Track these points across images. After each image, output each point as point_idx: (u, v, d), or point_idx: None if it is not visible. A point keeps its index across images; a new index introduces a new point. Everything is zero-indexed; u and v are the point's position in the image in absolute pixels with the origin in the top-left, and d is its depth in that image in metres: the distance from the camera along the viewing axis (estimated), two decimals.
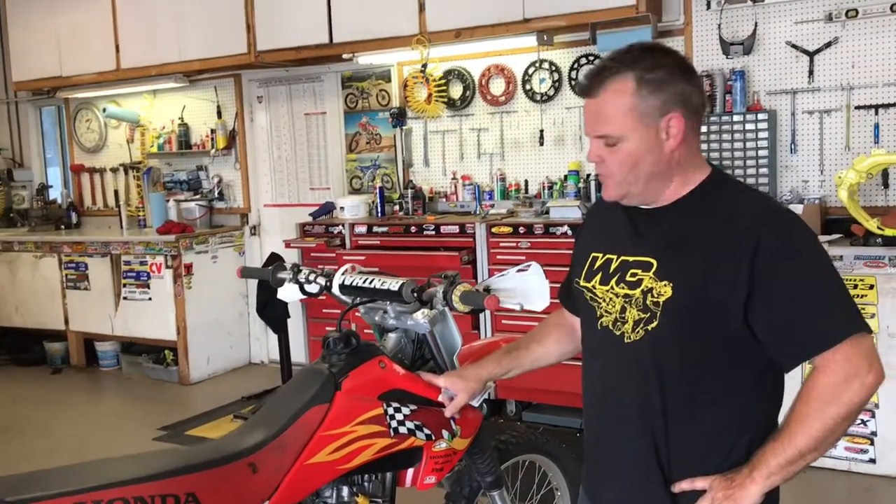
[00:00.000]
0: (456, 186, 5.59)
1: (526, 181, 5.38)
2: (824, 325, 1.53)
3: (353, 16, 5.28)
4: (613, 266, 1.70)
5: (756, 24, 4.50)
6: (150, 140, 6.95)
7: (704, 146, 4.61)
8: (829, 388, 1.51)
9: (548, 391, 4.68)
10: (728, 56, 4.58)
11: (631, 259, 1.67)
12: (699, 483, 1.60)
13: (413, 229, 5.15)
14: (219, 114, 6.59)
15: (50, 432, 5.30)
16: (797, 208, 4.31)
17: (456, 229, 4.98)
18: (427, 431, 2.04)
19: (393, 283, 2.02)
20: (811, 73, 4.43)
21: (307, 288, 2.27)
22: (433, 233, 5.07)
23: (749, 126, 4.50)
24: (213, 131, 6.60)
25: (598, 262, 1.74)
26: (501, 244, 4.81)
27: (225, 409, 5.57)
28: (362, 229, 5.34)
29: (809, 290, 1.54)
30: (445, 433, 2.08)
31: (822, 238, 4.11)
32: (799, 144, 4.50)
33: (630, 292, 1.65)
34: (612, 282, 1.69)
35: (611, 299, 1.69)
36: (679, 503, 1.63)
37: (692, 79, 1.63)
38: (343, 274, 2.18)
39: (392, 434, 1.98)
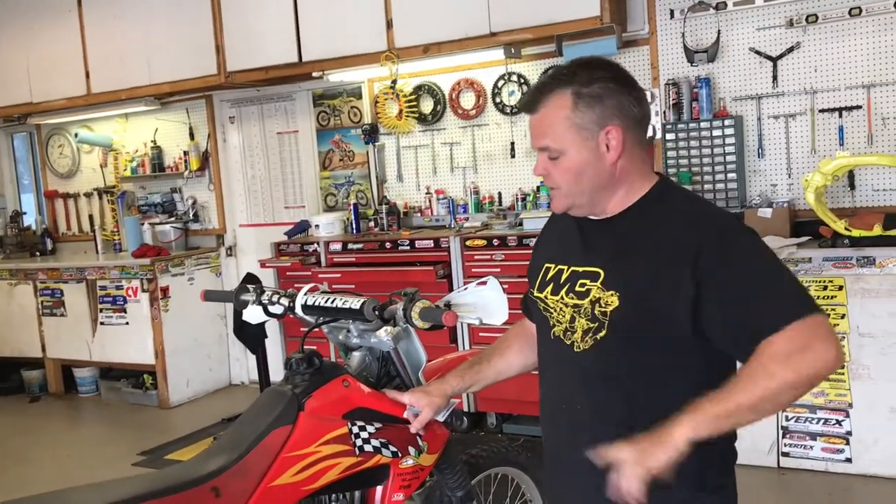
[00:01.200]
0: (430, 201, 5.60)
1: (499, 193, 5.41)
2: (774, 310, 1.50)
3: (322, 34, 5.29)
4: (564, 276, 1.72)
5: (719, 32, 4.55)
6: (124, 164, 6.93)
7: (673, 153, 4.66)
8: (782, 353, 1.46)
9: (527, 402, 4.68)
10: (693, 64, 4.63)
11: (580, 269, 1.70)
12: (622, 450, 1.52)
13: (388, 245, 5.16)
14: (191, 135, 6.58)
15: (28, 461, 5.24)
16: (766, 212, 4.36)
17: (430, 244, 4.99)
18: (393, 448, 2.04)
19: (354, 302, 2.03)
20: (775, 78, 4.48)
21: (271, 309, 2.27)
22: (408, 248, 5.07)
23: (716, 132, 4.55)
24: (185, 153, 6.59)
25: (551, 273, 1.77)
26: (476, 257, 4.82)
27: (206, 431, 5.54)
28: (337, 247, 5.34)
29: (754, 282, 1.53)
30: (412, 450, 2.08)
31: (791, 241, 4.15)
32: (766, 149, 4.55)
33: (579, 302, 1.67)
34: (563, 292, 1.71)
35: (561, 309, 1.71)
36: None
37: (631, 91, 1.66)
38: (305, 294, 2.18)
39: (357, 452, 1.98)
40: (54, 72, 6.49)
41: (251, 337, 5.22)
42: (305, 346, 2.04)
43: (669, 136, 4.68)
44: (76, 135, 6.92)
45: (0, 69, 6.80)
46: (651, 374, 1.62)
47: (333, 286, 5.15)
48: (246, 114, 6.46)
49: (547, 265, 1.80)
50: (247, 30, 5.59)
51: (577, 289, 1.68)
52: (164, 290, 6.15)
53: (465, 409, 4.96)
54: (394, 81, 5.20)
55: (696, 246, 1.55)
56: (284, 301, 2.23)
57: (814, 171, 4.08)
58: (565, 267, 1.74)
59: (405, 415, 2.04)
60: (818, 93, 4.39)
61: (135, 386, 6.43)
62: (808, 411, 4.02)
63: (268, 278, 5.35)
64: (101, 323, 6.38)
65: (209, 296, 2.52)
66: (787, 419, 4.06)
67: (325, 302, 2.10)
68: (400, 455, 2.06)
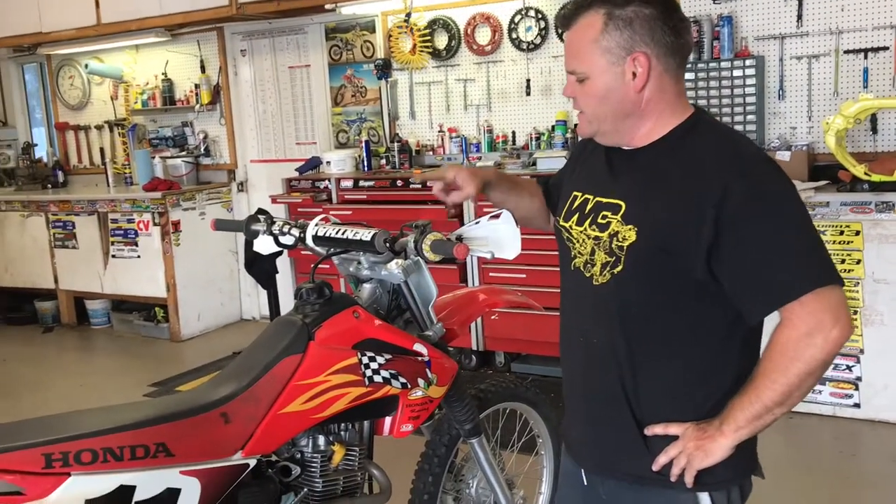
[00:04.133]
0: (443, 139, 5.53)
1: (513, 132, 5.33)
2: (789, 277, 1.48)
3: None
4: (589, 206, 1.68)
5: None
6: (135, 96, 6.86)
7: (692, 93, 4.56)
8: (791, 342, 1.48)
9: (536, 342, 4.69)
10: (715, 1, 4.50)
11: (604, 200, 1.65)
12: (673, 429, 1.60)
13: (399, 183, 5.12)
14: (202, 68, 6.50)
15: (42, 390, 5.32)
16: (785, 155, 4.28)
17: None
18: (402, 380, 2.04)
19: (365, 234, 2.00)
20: (800, 17, 4.36)
21: (282, 240, 2.25)
22: (419, 186, 5.03)
23: (737, 72, 4.44)
24: (196, 86, 6.52)
25: (577, 202, 1.72)
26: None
27: (216, 364, 5.59)
28: (348, 184, 5.30)
29: (776, 239, 1.48)
30: (421, 382, 2.08)
31: (809, 185, 4.09)
32: (787, 90, 4.45)
33: (599, 234, 1.63)
34: (586, 223, 1.67)
35: (583, 241, 1.67)
36: (649, 444, 1.63)
37: (669, 18, 1.57)
38: (316, 225, 2.16)
39: (367, 383, 1.98)
40: (64, 1, 6.39)
41: (262, 272, 5.19)
42: (316, 277, 2.02)
43: (689, 76, 4.57)
44: (86, 66, 6.85)
45: None
46: (665, 314, 1.59)
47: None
48: (257, 47, 6.36)
49: (575, 193, 1.75)
50: None
51: (599, 220, 1.64)
52: (176, 225, 6.14)
53: (473, 347, 4.98)
54: (408, 15, 5.10)
55: (723, 188, 1.49)
56: (295, 232, 2.20)
57: (835, 113, 3.99)
58: (591, 196, 1.69)
59: (434, 192, 1.95)
60: (844, 33, 4.27)
61: (146, 319, 6.48)
62: None
63: (279, 214, 5.32)
64: (113, 256, 6.40)
65: (220, 225, 2.50)
66: None
67: (336, 233, 2.07)
68: (409, 387, 2.05)
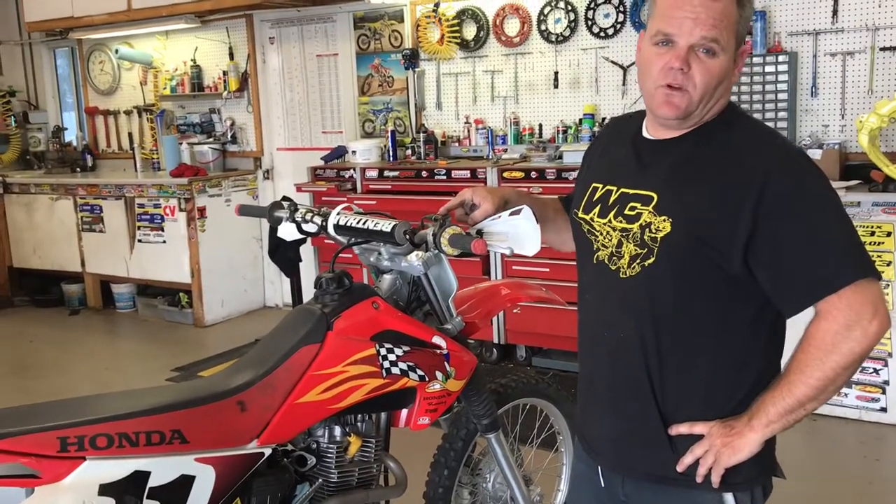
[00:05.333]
0: (469, 130, 5.51)
1: (540, 125, 5.29)
2: (828, 270, 1.45)
3: None
4: (613, 198, 1.64)
5: None
6: (164, 82, 6.90)
7: None
8: (829, 335, 1.45)
9: (557, 336, 4.66)
10: None
11: (631, 192, 1.61)
12: (698, 428, 1.57)
13: (424, 174, 5.10)
14: (231, 55, 6.52)
15: (67, 372, 5.38)
16: (816, 153, 4.20)
17: (467, 174, 4.92)
18: (420, 372, 2.02)
19: (386, 225, 1.97)
20: (835, 12, 4.27)
21: (304, 227, 2.24)
22: (444, 177, 5.01)
23: (769, 68, 4.37)
24: (225, 73, 6.53)
25: (598, 193, 1.68)
26: None
27: (238, 350, 5.61)
28: (373, 174, 5.29)
29: (814, 233, 1.46)
30: (439, 374, 2.06)
31: (840, 184, 4.01)
32: (820, 88, 4.37)
33: (628, 226, 1.59)
34: (611, 215, 1.63)
35: (608, 233, 1.63)
36: (674, 443, 1.60)
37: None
38: (338, 214, 2.14)
39: (384, 375, 1.96)
40: None
41: (286, 260, 5.19)
42: (338, 267, 2.01)
43: None
44: (117, 51, 6.89)
45: None
46: (696, 307, 1.55)
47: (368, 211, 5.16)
48: (286, 35, 6.36)
49: (595, 185, 1.70)
50: None
51: (627, 212, 1.59)
52: (202, 211, 6.17)
53: (495, 340, 4.96)
54: (436, 4, 5.06)
55: (763, 179, 1.46)
56: (318, 219, 2.19)
57: (869, 112, 3.91)
58: (614, 188, 1.65)
59: (457, 217, 1.94)
60: (880, 30, 4.18)
61: (171, 304, 6.53)
62: None
63: (303, 203, 5.34)
64: (139, 240, 6.45)
65: (244, 210, 2.50)
66: None
67: (357, 223, 2.05)
68: (427, 379, 2.04)
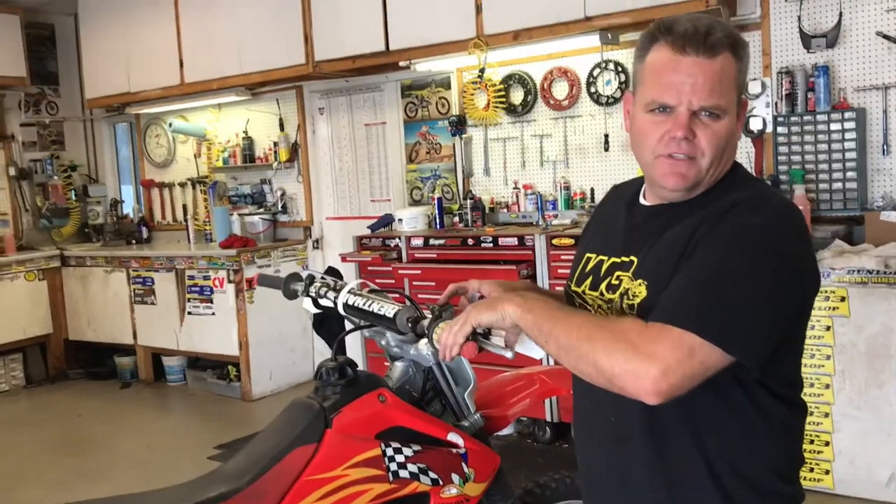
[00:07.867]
0: (517, 196, 5.32)
1: (591, 189, 5.07)
2: (686, 306, 1.26)
3: (410, 22, 5.09)
4: (604, 269, 1.49)
5: (841, 14, 4.08)
6: (216, 154, 6.94)
7: (784, 149, 4.24)
8: (624, 333, 1.26)
9: None
10: (810, 50, 4.18)
11: (618, 260, 1.46)
12: None
13: (471, 242, 4.91)
14: (281, 126, 6.52)
15: (108, 449, 5.28)
16: (891, 216, 3.88)
17: (514, 241, 4.72)
18: (433, 475, 1.80)
19: (389, 309, 1.77)
20: None
21: (321, 302, 2.07)
22: (491, 245, 4.81)
23: (834, 126, 4.09)
24: (275, 144, 6.53)
25: (591, 265, 1.53)
26: (563, 257, 4.51)
27: None
28: (419, 242, 5.13)
29: (707, 273, 1.27)
30: (456, 477, 1.83)
31: None
32: (892, 145, 4.06)
33: (612, 297, 1.43)
34: (602, 287, 1.47)
35: (599, 306, 1.48)
36: None
37: None
38: (348, 292, 1.96)
39: (391, 479, 1.75)
40: (151, 62, 6.55)
41: (330, 332, 5.10)
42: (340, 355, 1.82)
43: (781, 130, 4.24)
44: (170, 124, 6.98)
45: (102, 60, 6.93)
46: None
47: (413, 283, 4.98)
48: (335, 105, 6.34)
49: (588, 255, 1.55)
50: (335, 18, 5.45)
51: (613, 282, 1.45)
52: (250, 282, 6.09)
53: (548, 418, 4.67)
54: (482, 70, 4.94)
55: (715, 216, 1.33)
56: (331, 295, 2.01)
57: None
58: (605, 258, 1.50)
59: (460, 305, 1.72)
60: None
61: (220, 377, 6.43)
62: None
63: (349, 273, 5.21)
64: (189, 312, 6.40)
65: (262, 281, 2.37)
66: None
67: (363, 304, 1.87)
68: (441, 483, 1.81)
